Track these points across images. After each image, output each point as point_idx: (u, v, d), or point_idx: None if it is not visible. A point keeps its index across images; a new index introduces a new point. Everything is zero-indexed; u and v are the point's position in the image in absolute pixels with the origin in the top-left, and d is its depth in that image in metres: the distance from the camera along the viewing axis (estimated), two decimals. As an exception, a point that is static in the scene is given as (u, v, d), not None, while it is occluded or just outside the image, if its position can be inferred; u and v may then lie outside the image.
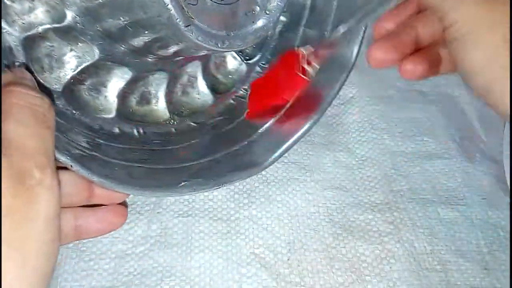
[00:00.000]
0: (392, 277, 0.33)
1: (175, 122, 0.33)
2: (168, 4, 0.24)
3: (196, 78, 0.34)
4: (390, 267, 0.33)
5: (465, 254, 0.35)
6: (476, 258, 0.35)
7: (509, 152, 0.40)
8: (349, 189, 0.37)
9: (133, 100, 0.31)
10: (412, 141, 0.41)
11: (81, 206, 0.28)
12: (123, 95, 0.31)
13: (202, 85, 0.34)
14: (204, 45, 0.25)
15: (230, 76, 0.36)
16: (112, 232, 0.33)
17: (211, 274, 0.32)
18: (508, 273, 0.34)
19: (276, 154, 0.33)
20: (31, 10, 0.27)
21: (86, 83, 0.29)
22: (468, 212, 0.37)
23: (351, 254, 0.34)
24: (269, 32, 0.29)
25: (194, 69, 0.34)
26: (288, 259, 0.33)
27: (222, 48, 0.26)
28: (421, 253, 0.34)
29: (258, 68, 0.36)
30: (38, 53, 0.27)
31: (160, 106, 0.33)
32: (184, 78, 0.33)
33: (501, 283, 0.33)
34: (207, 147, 0.33)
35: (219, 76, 0.35)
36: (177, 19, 0.24)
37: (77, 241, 0.32)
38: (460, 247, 0.35)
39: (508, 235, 0.36)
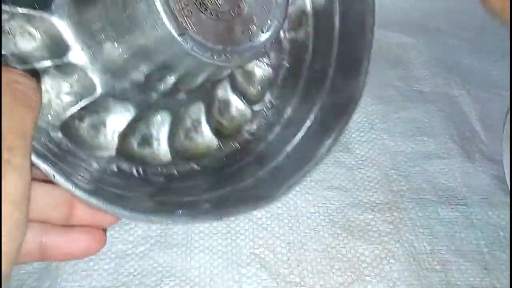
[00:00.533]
0: (392, 277, 0.33)
1: (177, 165, 0.32)
2: (160, 13, 0.23)
3: (199, 122, 0.32)
4: (390, 267, 0.33)
5: (465, 254, 0.35)
6: (476, 258, 0.35)
7: (509, 152, 0.40)
8: (349, 189, 0.37)
9: (133, 141, 0.30)
10: (412, 141, 0.41)
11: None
12: (123, 136, 0.29)
13: (206, 129, 0.33)
14: (200, 56, 0.25)
15: (235, 121, 0.35)
16: (112, 232, 0.33)
17: (211, 274, 0.32)
18: (508, 273, 0.34)
19: (284, 189, 0.30)
20: (30, 41, 0.26)
21: (85, 121, 0.28)
22: (468, 212, 0.37)
23: (351, 254, 0.34)
24: (267, 48, 0.28)
25: (197, 112, 0.32)
26: (288, 259, 0.33)
27: (219, 61, 0.25)
28: (421, 253, 0.34)
29: (263, 113, 0.35)
30: None
31: (162, 149, 0.31)
32: (187, 123, 0.32)
33: (501, 283, 0.33)
34: (210, 186, 0.31)
35: (224, 121, 0.34)
36: (170, 26, 0.24)
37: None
38: (460, 247, 0.35)
39: (508, 235, 0.36)
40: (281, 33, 0.36)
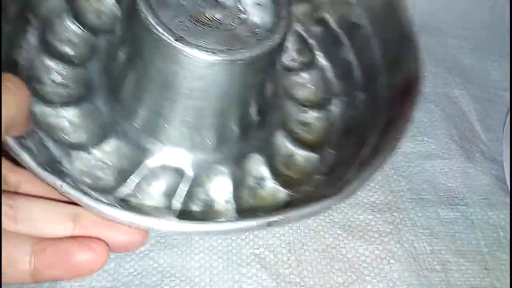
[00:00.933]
0: (392, 277, 0.33)
1: (240, 217, 0.29)
2: (152, 26, 0.23)
3: (263, 179, 0.30)
4: (390, 267, 0.33)
5: (465, 254, 0.35)
6: (476, 258, 0.35)
7: (509, 152, 0.40)
8: (349, 189, 0.37)
9: (194, 207, 0.29)
10: (412, 141, 0.41)
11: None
12: (184, 203, 0.28)
13: (272, 184, 0.30)
14: (201, 56, 0.24)
15: (304, 169, 0.32)
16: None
17: (211, 275, 0.32)
18: (508, 273, 0.34)
19: (346, 194, 0.26)
20: (71, 130, 0.27)
21: (139, 195, 0.27)
22: (468, 212, 0.37)
23: (351, 254, 0.34)
24: (283, 47, 0.27)
25: (258, 169, 0.30)
26: (288, 259, 0.33)
27: (222, 57, 0.24)
28: (421, 253, 0.34)
29: (329, 153, 0.33)
30: (84, 167, 0.27)
31: (226, 209, 0.29)
32: (250, 181, 0.30)
33: (501, 283, 0.33)
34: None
35: (291, 174, 0.32)
36: (165, 34, 0.23)
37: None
38: (460, 247, 0.35)
39: (508, 235, 0.36)
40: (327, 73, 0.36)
